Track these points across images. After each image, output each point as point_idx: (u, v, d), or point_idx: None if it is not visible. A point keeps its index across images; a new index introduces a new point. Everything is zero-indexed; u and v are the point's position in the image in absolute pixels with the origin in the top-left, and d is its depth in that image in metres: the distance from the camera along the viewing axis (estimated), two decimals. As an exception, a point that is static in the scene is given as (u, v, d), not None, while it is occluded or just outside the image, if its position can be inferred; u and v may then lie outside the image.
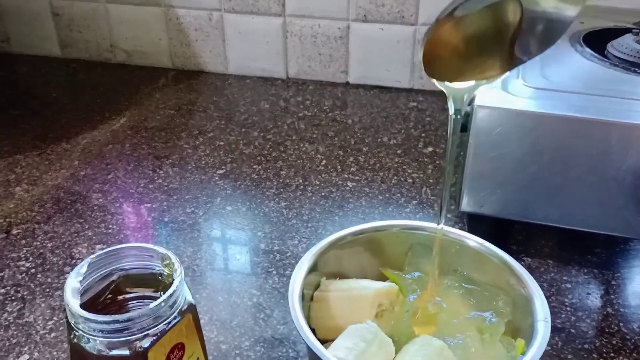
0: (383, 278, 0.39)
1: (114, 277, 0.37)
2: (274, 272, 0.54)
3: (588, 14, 0.67)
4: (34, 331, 0.47)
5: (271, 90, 0.89)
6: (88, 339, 0.33)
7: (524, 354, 0.32)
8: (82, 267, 0.35)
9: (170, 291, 0.34)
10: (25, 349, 0.46)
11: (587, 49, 0.57)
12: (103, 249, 0.57)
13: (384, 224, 0.41)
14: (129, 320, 0.32)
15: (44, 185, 0.66)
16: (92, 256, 0.36)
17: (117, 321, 0.32)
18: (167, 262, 0.36)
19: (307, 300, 0.38)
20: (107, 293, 0.37)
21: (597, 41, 0.59)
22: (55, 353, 0.46)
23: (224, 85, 0.91)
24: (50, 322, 0.48)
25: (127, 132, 0.77)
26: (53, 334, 0.47)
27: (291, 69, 0.92)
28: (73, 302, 0.33)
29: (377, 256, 0.41)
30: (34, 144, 0.74)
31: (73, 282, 0.34)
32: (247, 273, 0.54)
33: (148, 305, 0.33)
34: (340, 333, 0.35)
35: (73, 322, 0.33)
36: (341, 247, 0.39)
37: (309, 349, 0.32)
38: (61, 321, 0.48)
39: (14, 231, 0.59)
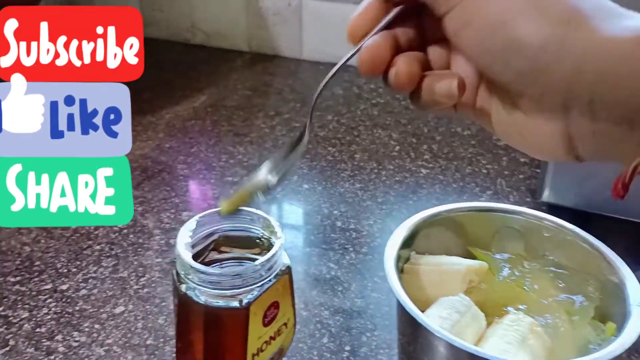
0: (468, 258, 0.40)
1: (215, 237, 0.40)
2: (351, 249, 0.56)
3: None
4: (127, 286, 0.51)
5: (344, 76, 0.91)
6: (196, 290, 0.35)
7: (615, 336, 0.32)
8: (191, 224, 0.38)
9: (272, 251, 0.36)
10: (121, 301, 0.49)
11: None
12: (190, 216, 0.60)
13: (477, 205, 0.42)
14: (236, 275, 0.35)
15: (132, 154, 0.69)
16: (199, 215, 0.38)
17: (226, 275, 0.35)
18: (268, 224, 0.38)
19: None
20: (208, 251, 0.40)
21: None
22: (148, 307, 0.49)
23: (297, 69, 0.93)
24: (142, 279, 0.51)
25: (208, 109, 0.80)
26: (145, 290, 0.50)
27: (364, 57, 0.93)
28: (186, 254, 0.35)
29: (462, 236, 0.42)
30: (121, 115, 0.78)
31: (185, 237, 0.36)
32: (325, 248, 0.56)
33: (246, 264, 0.36)
34: (428, 304, 0.36)
35: (183, 273, 0.36)
36: (430, 224, 0.40)
37: (404, 314, 0.33)
38: (153, 278, 0.51)
39: (107, 194, 0.62)
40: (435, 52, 0.31)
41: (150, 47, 0.99)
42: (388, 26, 0.30)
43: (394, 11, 0.29)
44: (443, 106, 0.29)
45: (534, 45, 0.24)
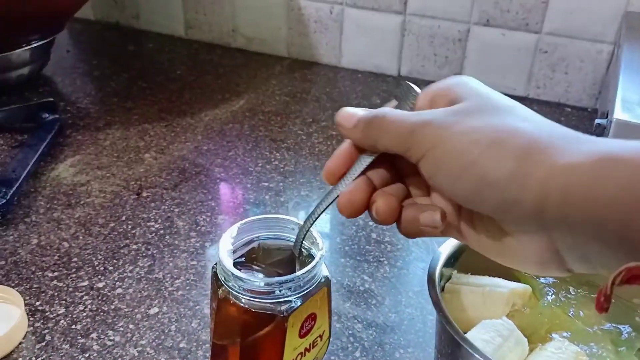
0: (512, 280, 0.39)
1: (254, 244, 0.40)
2: (385, 262, 0.55)
3: None
4: (162, 287, 0.51)
5: (382, 86, 0.90)
6: (236, 297, 0.35)
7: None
8: (233, 231, 0.38)
9: (314, 262, 0.35)
10: (155, 302, 0.50)
11: None
12: (225, 219, 0.60)
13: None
14: (277, 284, 0.34)
15: (171, 155, 0.70)
16: (241, 222, 0.38)
17: (265, 284, 0.35)
18: (310, 235, 0.38)
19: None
20: (249, 258, 0.40)
21: None
22: (182, 309, 0.49)
23: (336, 77, 0.93)
24: (177, 281, 0.52)
25: (246, 113, 0.80)
26: (180, 292, 0.51)
27: (404, 67, 0.92)
28: (227, 261, 0.35)
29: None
30: (161, 115, 0.79)
31: (227, 243, 0.37)
32: (360, 260, 0.55)
33: (287, 274, 0.36)
34: (469, 326, 0.36)
35: (224, 279, 0.36)
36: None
37: (445, 332, 0.33)
38: (187, 281, 0.52)
39: (144, 194, 0.63)
40: (412, 182, 0.33)
41: (192, 49, 1.00)
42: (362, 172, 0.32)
43: (368, 161, 0.31)
44: (428, 235, 0.31)
45: (502, 180, 0.26)
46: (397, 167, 0.33)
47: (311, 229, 0.37)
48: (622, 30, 0.75)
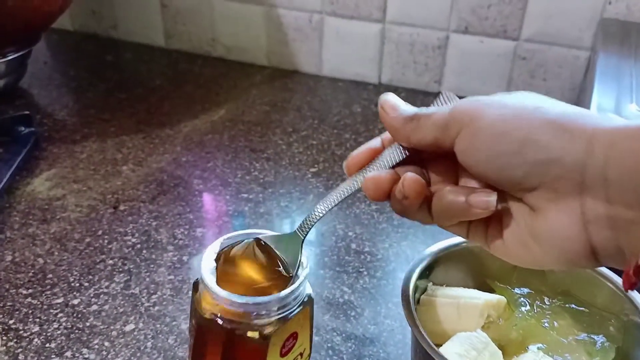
0: (487, 291, 0.39)
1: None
2: (365, 273, 0.55)
3: None
4: (139, 303, 0.50)
5: (363, 94, 0.90)
6: (217, 315, 0.34)
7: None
8: (216, 247, 0.37)
9: (297, 282, 0.35)
10: (131, 318, 0.49)
11: None
12: (203, 232, 0.60)
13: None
14: (258, 303, 0.34)
15: (149, 167, 0.69)
16: (224, 237, 0.38)
17: (248, 303, 0.34)
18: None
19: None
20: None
21: None
22: (158, 326, 0.48)
23: (317, 86, 0.93)
24: (154, 296, 0.51)
25: (226, 123, 0.80)
26: (157, 307, 0.50)
27: (384, 75, 0.93)
28: (209, 278, 0.34)
29: (481, 269, 0.41)
30: (139, 127, 0.78)
31: (209, 260, 0.36)
32: (339, 271, 0.55)
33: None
34: (444, 338, 0.36)
35: (205, 296, 0.35)
36: (449, 255, 0.40)
37: (419, 348, 0.32)
38: (164, 296, 0.51)
39: (122, 207, 0.62)
40: (435, 178, 0.33)
41: (171, 59, 1.00)
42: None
43: (394, 155, 0.33)
44: (462, 218, 0.31)
45: (546, 139, 0.27)
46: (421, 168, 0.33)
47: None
48: (598, 37, 0.76)
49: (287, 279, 0.35)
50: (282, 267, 0.36)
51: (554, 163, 0.26)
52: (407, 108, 0.32)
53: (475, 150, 0.29)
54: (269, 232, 0.38)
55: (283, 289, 0.34)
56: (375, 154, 0.34)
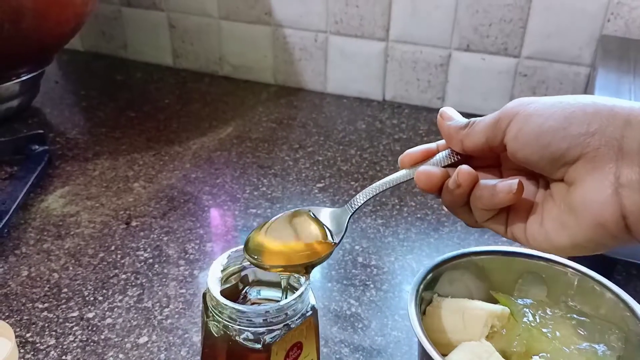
0: (491, 302, 0.40)
1: (243, 274, 0.41)
2: (372, 286, 0.56)
3: None
4: (152, 316, 0.52)
5: (367, 111, 0.92)
6: (222, 325, 0.36)
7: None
8: (224, 259, 0.39)
9: (299, 292, 0.36)
10: (144, 331, 0.50)
11: None
12: (213, 247, 0.61)
13: (501, 249, 0.42)
14: (261, 314, 0.35)
15: (159, 184, 0.71)
16: (232, 250, 0.39)
17: (251, 312, 0.35)
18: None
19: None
20: (238, 286, 0.41)
21: None
22: (171, 338, 0.49)
23: (322, 103, 0.95)
24: (166, 310, 0.52)
25: (233, 140, 0.82)
26: (169, 321, 0.51)
27: (388, 92, 0.94)
28: (215, 289, 0.36)
29: (485, 280, 0.42)
30: (149, 144, 0.80)
31: (216, 272, 0.37)
32: (346, 284, 0.56)
33: (273, 303, 0.36)
34: (449, 349, 0.37)
35: (212, 307, 0.37)
36: (454, 267, 0.41)
37: (426, 358, 0.34)
38: (176, 309, 0.52)
39: (133, 223, 0.64)
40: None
41: (179, 78, 1.02)
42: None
43: (446, 158, 0.36)
44: (499, 205, 0.33)
45: (588, 116, 0.30)
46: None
47: None
48: (597, 53, 0.77)
49: (331, 246, 0.38)
50: (329, 235, 0.39)
51: (596, 134, 0.29)
52: (462, 118, 0.36)
53: (525, 133, 0.31)
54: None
55: (326, 254, 0.37)
56: (429, 155, 0.37)
